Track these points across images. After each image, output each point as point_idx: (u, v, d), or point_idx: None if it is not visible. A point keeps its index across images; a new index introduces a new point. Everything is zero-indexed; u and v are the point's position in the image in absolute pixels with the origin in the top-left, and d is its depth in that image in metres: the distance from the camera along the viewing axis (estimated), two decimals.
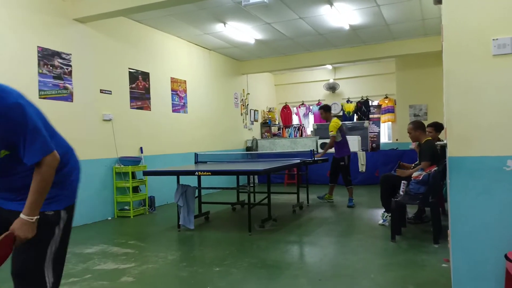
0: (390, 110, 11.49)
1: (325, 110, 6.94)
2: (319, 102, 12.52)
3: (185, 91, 8.29)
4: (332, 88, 12.28)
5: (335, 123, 6.68)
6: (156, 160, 7.18)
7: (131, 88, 6.83)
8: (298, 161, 6.16)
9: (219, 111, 9.58)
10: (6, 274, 3.55)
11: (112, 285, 3.23)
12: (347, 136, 6.96)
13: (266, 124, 11.96)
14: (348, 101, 12.10)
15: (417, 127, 4.81)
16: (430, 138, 4.84)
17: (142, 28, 7.19)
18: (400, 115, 10.61)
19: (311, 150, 6.70)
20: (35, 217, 1.62)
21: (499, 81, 2.31)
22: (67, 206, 1.81)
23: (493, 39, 2.31)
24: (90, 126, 6.02)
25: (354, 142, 9.22)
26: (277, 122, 12.68)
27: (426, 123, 5.37)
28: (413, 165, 5.12)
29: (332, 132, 6.63)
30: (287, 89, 13.02)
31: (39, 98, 5.25)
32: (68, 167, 1.82)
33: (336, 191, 7.53)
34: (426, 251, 3.83)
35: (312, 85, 12.63)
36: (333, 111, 12.19)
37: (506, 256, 2.18)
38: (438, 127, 5.40)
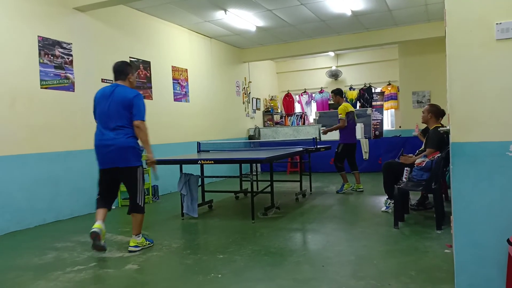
0: (393, 97, 11.44)
1: (335, 93, 6.83)
2: (321, 89, 12.47)
3: (186, 79, 8.26)
4: (334, 75, 12.21)
5: (344, 106, 6.64)
6: (158, 149, 7.14)
7: None
8: (301, 149, 6.15)
9: (221, 99, 9.55)
10: (10, 263, 3.57)
11: (117, 273, 3.27)
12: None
13: (268, 113, 11.94)
14: (350, 88, 12.03)
15: (433, 111, 4.74)
16: (439, 125, 4.77)
17: (142, 17, 7.14)
18: (403, 102, 10.56)
19: (313, 138, 6.69)
20: None
21: (502, 65, 2.29)
22: None
23: (497, 23, 2.28)
24: (92, 116, 5.99)
25: (357, 130, 9.18)
26: (279, 110, 12.64)
27: None
28: (417, 151, 5.10)
29: (341, 115, 6.62)
30: (289, 77, 12.95)
31: (41, 88, 5.24)
32: None
33: (339, 179, 7.54)
34: (429, 237, 3.84)
35: (314, 72, 12.55)
36: None
37: (508, 241, 2.18)
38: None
